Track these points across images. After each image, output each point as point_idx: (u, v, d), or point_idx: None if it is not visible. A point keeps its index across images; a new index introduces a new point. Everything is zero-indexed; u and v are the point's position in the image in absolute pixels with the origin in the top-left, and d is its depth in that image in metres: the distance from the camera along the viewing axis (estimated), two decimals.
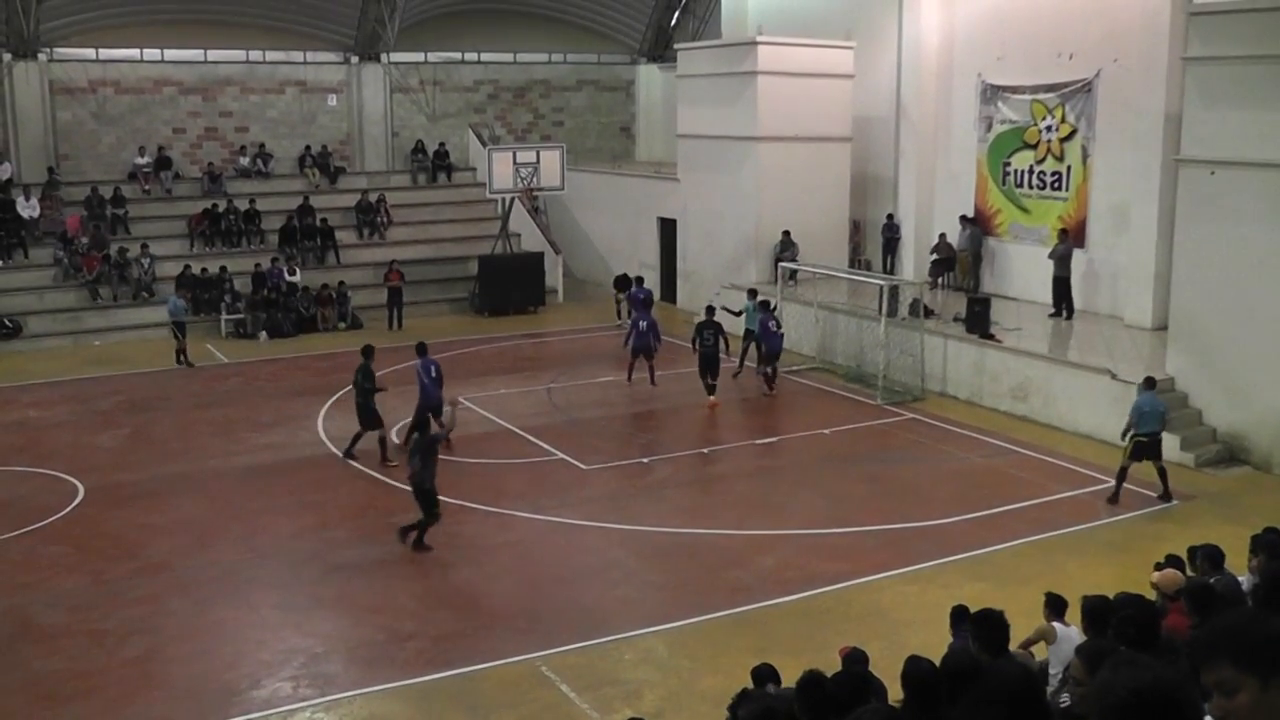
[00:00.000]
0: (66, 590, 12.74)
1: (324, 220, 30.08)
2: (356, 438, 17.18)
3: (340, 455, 17.31)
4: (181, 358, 23.65)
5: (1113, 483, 15.23)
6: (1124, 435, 15.22)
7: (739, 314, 21.78)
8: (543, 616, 12.01)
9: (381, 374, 22.49)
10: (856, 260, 27.41)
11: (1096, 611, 7.28)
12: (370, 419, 17.00)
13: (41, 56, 29.65)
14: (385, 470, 16.69)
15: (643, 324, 21.54)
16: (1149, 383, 15.49)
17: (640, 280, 25.55)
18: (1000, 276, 24.40)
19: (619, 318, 26.53)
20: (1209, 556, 8.97)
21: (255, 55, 32.37)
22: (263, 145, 32.17)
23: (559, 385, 21.68)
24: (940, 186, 25.77)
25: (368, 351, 17.38)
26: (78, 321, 26.43)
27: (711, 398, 19.99)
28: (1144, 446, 15.00)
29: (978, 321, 20.50)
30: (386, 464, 16.83)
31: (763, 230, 26.15)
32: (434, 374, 17.29)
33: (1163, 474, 15.14)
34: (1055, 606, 8.79)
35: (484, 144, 32.27)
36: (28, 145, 29.58)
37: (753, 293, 22.06)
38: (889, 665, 7.24)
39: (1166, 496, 15.10)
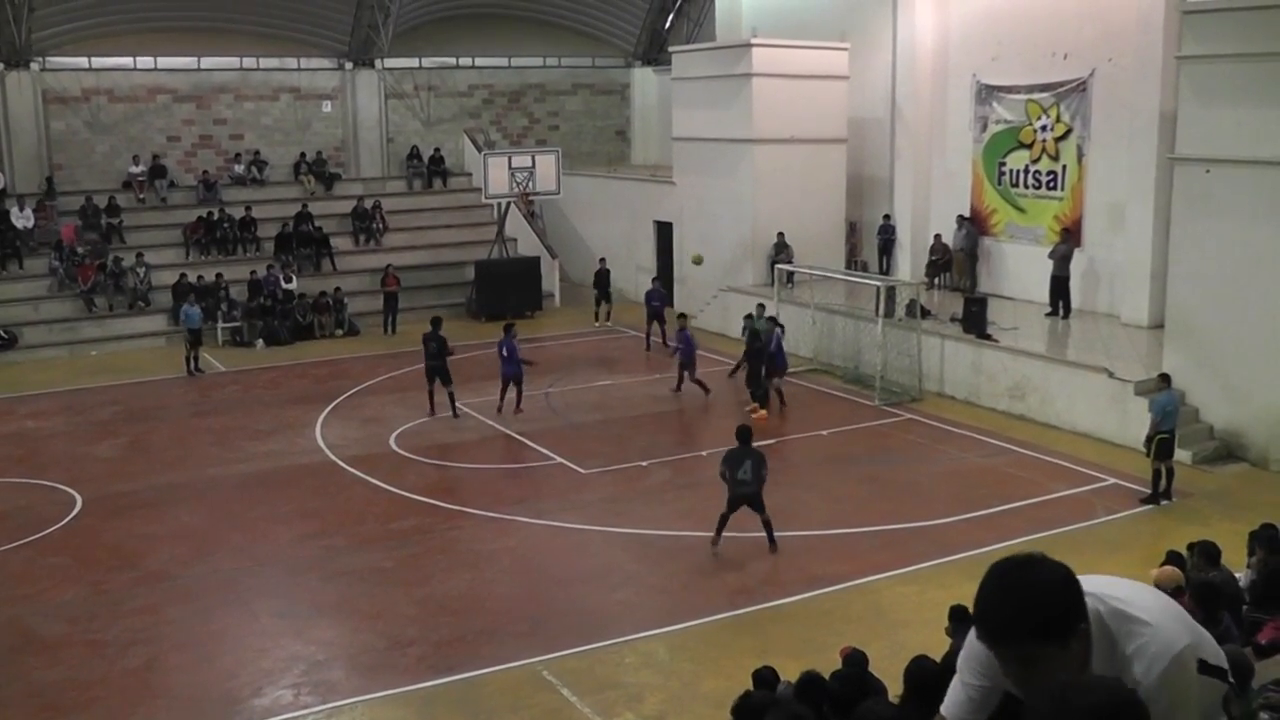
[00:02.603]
0: (66, 601, 12.72)
1: (319, 227, 30.07)
2: (452, 397, 19.63)
3: (454, 415, 19.53)
4: (191, 365, 23.65)
5: (1110, 481, 15.23)
6: (1149, 438, 15.09)
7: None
8: (543, 621, 12.01)
9: (376, 381, 22.70)
10: (853, 261, 27.42)
11: None
12: (447, 376, 19.57)
13: (34, 66, 29.62)
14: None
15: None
16: (1166, 380, 15.49)
17: (656, 280, 25.39)
18: (996, 276, 24.42)
19: (665, 342, 24.55)
20: (1204, 552, 9.00)
21: (249, 62, 32.37)
22: (257, 152, 32.16)
23: (556, 389, 21.67)
24: (936, 187, 25.78)
25: (437, 322, 20.07)
26: (74, 331, 26.39)
27: (762, 410, 19.61)
28: (1166, 444, 15.00)
29: (974, 321, 20.51)
30: (457, 416, 19.41)
31: (759, 232, 26.15)
32: (504, 353, 19.63)
33: (1170, 473, 15.14)
34: None
35: (479, 149, 32.23)
36: (21, 155, 29.54)
37: (749, 317, 21.61)
38: (889, 666, 7.26)
39: (1167, 495, 15.09)
